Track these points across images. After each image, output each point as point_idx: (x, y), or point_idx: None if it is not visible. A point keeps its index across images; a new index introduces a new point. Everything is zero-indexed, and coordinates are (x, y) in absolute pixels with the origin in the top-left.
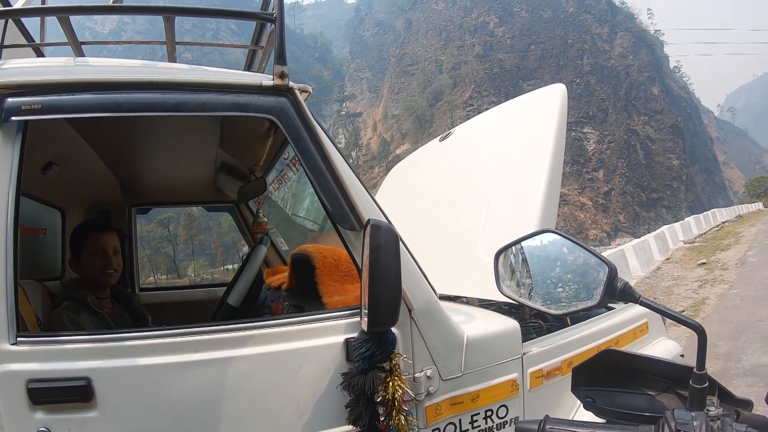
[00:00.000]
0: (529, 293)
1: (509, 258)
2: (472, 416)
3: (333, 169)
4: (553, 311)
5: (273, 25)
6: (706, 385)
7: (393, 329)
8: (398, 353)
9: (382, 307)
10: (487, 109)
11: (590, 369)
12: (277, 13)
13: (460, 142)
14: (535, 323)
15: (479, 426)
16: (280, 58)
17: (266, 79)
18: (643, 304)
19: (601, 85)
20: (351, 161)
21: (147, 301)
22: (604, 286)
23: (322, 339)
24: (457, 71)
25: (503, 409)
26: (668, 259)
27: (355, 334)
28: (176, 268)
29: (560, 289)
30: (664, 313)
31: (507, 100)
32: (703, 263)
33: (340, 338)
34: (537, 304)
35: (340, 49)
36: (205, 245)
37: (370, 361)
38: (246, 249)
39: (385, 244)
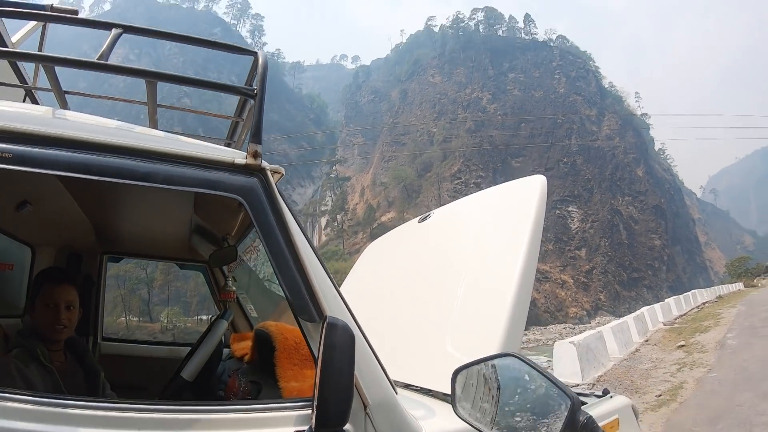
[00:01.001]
0: (486, 419)
1: (468, 378)
2: None
3: (297, 257)
4: None
5: (253, 101)
6: None
7: (347, 425)
8: None
9: (332, 407)
10: (474, 183)
11: None
12: (258, 90)
13: (438, 226)
14: None
15: None
16: (256, 137)
17: (239, 157)
18: None
19: (587, 164)
20: (336, 224)
21: (108, 352)
22: (565, 421)
23: (270, 429)
24: (448, 144)
25: None
26: (647, 340)
27: (304, 428)
28: (149, 311)
29: (518, 419)
30: None
31: (495, 175)
32: (682, 345)
33: (290, 430)
34: None
35: (336, 112)
36: (180, 293)
37: None
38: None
39: (341, 345)
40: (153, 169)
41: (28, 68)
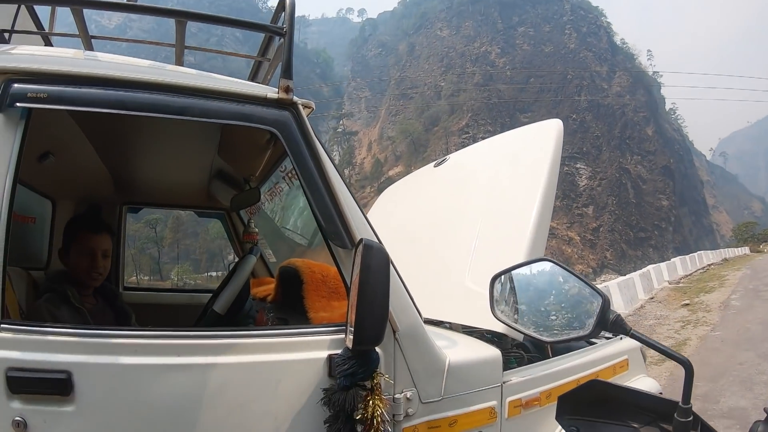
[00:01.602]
0: (523, 319)
1: (505, 283)
2: None
3: (329, 186)
4: (545, 338)
5: (282, 39)
6: (691, 419)
7: (377, 349)
8: (380, 373)
9: (368, 327)
10: (482, 138)
11: (576, 398)
12: (287, 28)
13: (455, 170)
14: (516, 353)
15: None
16: (287, 73)
17: (271, 92)
18: (633, 336)
19: (596, 122)
20: (345, 180)
21: (130, 301)
22: (596, 316)
23: (305, 353)
24: (456, 98)
25: None
26: (652, 298)
27: (338, 351)
28: (159, 269)
29: (553, 317)
30: (654, 347)
31: (503, 130)
32: (687, 304)
33: (324, 354)
34: (530, 330)
35: (342, 66)
36: (190, 250)
37: (352, 379)
38: (232, 257)
39: (376, 266)
40: (189, 103)
41: (41, 16)
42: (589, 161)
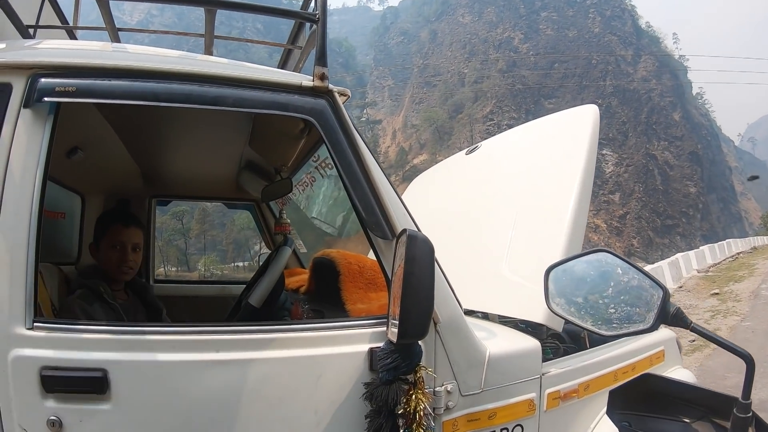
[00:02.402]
0: (580, 312)
1: (560, 275)
2: None
3: (368, 175)
4: (604, 332)
5: (315, 26)
6: (750, 414)
7: (419, 342)
8: (423, 366)
9: (412, 320)
10: (507, 125)
11: (626, 392)
12: (320, 14)
13: (488, 157)
14: (551, 344)
15: None
16: (321, 60)
17: (306, 80)
18: (694, 330)
19: (622, 107)
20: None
21: (159, 293)
22: (657, 309)
23: (346, 347)
24: (479, 85)
25: (518, 428)
26: (681, 287)
27: (380, 344)
28: (187, 261)
29: (612, 310)
30: (715, 341)
31: (528, 117)
32: (716, 293)
33: (365, 347)
34: (587, 324)
35: (364, 55)
36: (217, 241)
37: (395, 373)
38: (258, 248)
39: (421, 256)
40: (222, 92)
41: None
42: (615, 147)
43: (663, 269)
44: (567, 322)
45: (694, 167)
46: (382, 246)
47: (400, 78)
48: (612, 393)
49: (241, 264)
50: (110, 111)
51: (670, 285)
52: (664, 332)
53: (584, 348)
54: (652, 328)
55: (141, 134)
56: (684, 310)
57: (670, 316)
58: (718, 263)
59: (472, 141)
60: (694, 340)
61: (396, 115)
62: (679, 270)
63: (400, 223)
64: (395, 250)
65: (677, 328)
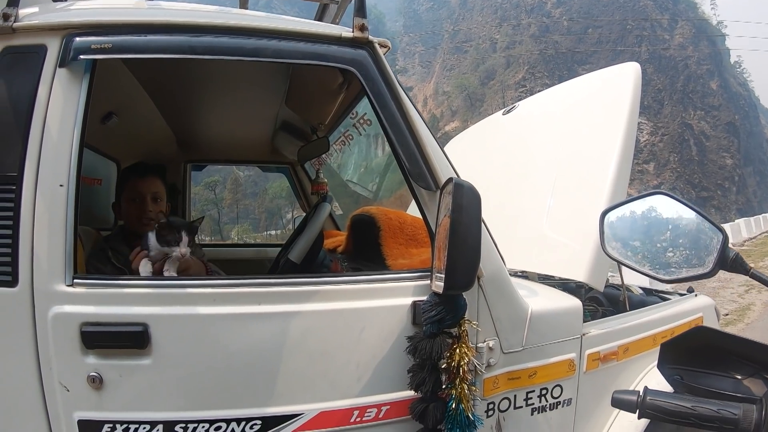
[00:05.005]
0: (637, 256)
1: (616, 218)
2: (527, 393)
3: (411, 125)
4: (662, 276)
5: None
6: None
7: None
8: (467, 320)
9: (459, 269)
10: (540, 91)
11: (678, 346)
12: None
13: (526, 117)
14: (590, 306)
15: (533, 404)
16: (361, 11)
17: (345, 31)
18: (753, 276)
19: (658, 74)
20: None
21: None
22: (717, 254)
23: (389, 300)
24: (511, 51)
25: (558, 389)
26: None
27: (422, 298)
28: (220, 230)
29: (670, 254)
30: None
31: (561, 82)
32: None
33: (408, 300)
34: (645, 268)
35: (394, 22)
36: (249, 210)
37: (439, 326)
38: (290, 216)
39: (468, 205)
40: (261, 44)
41: None
42: (650, 116)
43: None
44: (622, 266)
45: (731, 138)
46: (425, 197)
47: (430, 44)
48: (664, 346)
49: (273, 232)
50: (145, 75)
51: None
52: (703, 299)
53: (621, 311)
54: (711, 273)
55: (175, 98)
56: (718, 283)
57: (729, 260)
58: (754, 237)
59: (504, 107)
60: (727, 314)
61: (427, 82)
62: None
63: (444, 173)
64: (440, 201)
65: (715, 299)
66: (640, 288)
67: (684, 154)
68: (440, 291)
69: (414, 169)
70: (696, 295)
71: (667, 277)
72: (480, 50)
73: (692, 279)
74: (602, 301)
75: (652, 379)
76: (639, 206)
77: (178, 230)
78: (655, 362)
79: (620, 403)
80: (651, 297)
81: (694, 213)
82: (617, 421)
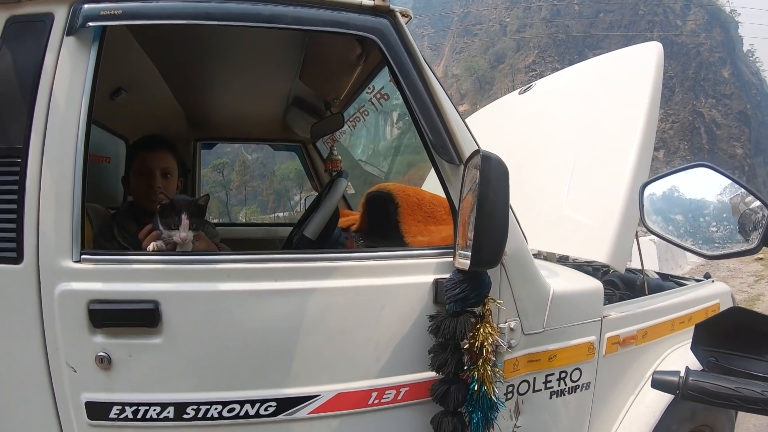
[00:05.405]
0: (679, 231)
1: (656, 191)
2: (546, 376)
3: (434, 97)
4: (705, 252)
5: None
6: None
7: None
8: (492, 298)
9: (486, 246)
10: (550, 74)
11: (712, 328)
12: None
13: (543, 96)
14: (607, 290)
15: (552, 387)
16: None
17: None
18: None
19: (669, 61)
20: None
21: None
22: (763, 229)
23: (411, 277)
24: (522, 34)
25: (577, 372)
26: None
27: (445, 275)
28: (228, 212)
29: (714, 229)
30: None
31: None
32: (760, 258)
33: (430, 278)
34: (687, 243)
35: (403, 3)
36: (257, 192)
37: (463, 304)
38: (298, 198)
39: (495, 178)
40: (279, 10)
41: None
42: (661, 102)
43: None
44: (661, 238)
45: (742, 128)
46: (448, 172)
47: (440, 27)
48: (699, 327)
49: (281, 214)
50: (154, 49)
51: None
52: (720, 285)
53: (637, 295)
54: (756, 249)
55: (185, 74)
56: (728, 272)
57: None
58: None
59: (513, 91)
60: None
61: (436, 64)
62: None
63: (468, 147)
64: (464, 175)
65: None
66: (656, 273)
67: (694, 142)
68: (465, 268)
69: (437, 141)
70: (713, 281)
71: (710, 253)
72: (490, 33)
73: (737, 255)
74: (618, 285)
75: (669, 364)
76: (681, 179)
77: (178, 212)
78: (674, 347)
79: (660, 384)
80: (667, 282)
81: (739, 186)
82: (634, 406)
